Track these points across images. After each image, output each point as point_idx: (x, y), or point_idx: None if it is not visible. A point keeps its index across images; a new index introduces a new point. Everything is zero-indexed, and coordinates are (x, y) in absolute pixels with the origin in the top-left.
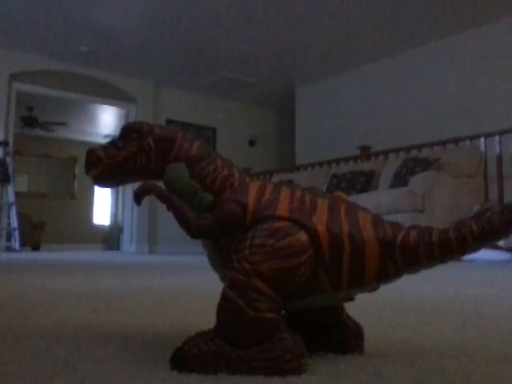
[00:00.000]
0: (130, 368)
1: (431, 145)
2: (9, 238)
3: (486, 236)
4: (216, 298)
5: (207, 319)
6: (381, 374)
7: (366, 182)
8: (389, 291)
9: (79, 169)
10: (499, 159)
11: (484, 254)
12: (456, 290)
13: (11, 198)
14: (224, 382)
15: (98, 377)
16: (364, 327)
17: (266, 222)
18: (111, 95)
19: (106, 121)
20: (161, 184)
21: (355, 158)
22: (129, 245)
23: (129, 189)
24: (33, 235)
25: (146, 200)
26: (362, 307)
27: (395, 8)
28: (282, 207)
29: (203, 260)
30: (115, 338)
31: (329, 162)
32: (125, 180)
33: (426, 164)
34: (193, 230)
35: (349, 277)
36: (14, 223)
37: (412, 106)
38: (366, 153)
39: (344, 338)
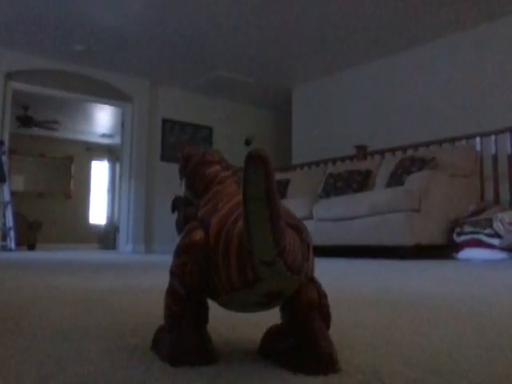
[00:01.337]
0: (124, 366)
1: (427, 144)
2: (4, 238)
3: None
4: None
5: None
6: (377, 374)
7: (363, 181)
8: (385, 291)
9: (75, 168)
10: (495, 159)
11: (480, 254)
12: (452, 290)
13: (7, 197)
14: (219, 380)
15: (93, 375)
16: (361, 327)
17: None
18: (107, 94)
19: (102, 120)
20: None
21: (351, 158)
22: (125, 244)
23: (124, 188)
24: (29, 235)
25: (142, 199)
26: (359, 307)
27: (392, 8)
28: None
29: None
30: (111, 337)
31: (325, 162)
32: None
33: (422, 163)
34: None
35: (239, 274)
36: (10, 223)
37: (408, 106)
38: (362, 152)
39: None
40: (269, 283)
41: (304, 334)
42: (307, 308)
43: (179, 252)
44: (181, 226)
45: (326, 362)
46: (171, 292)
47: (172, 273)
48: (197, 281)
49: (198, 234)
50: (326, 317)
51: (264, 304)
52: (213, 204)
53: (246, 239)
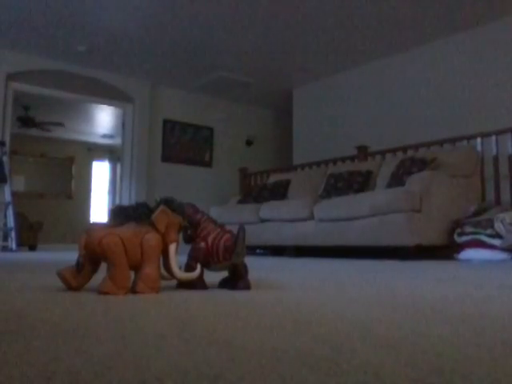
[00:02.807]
0: (126, 368)
1: (428, 145)
2: (5, 238)
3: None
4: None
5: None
6: (379, 374)
7: (363, 181)
8: (385, 291)
9: (76, 169)
10: (496, 159)
11: (481, 255)
12: (453, 290)
13: (8, 197)
14: (220, 381)
15: (96, 377)
16: (362, 328)
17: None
18: (108, 95)
19: (103, 120)
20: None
21: (352, 158)
22: None
23: (125, 189)
24: (30, 235)
25: (142, 200)
26: (360, 308)
27: (392, 8)
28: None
29: None
30: (113, 338)
31: (326, 162)
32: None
33: (423, 164)
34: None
35: (223, 258)
36: (11, 223)
37: (409, 106)
38: (363, 152)
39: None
40: (234, 262)
41: (238, 274)
42: (240, 266)
43: (196, 251)
44: (187, 240)
45: (247, 285)
46: (191, 265)
47: (191, 258)
48: (202, 261)
49: (202, 245)
50: (246, 269)
51: (227, 268)
52: (205, 233)
53: (234, 251)
